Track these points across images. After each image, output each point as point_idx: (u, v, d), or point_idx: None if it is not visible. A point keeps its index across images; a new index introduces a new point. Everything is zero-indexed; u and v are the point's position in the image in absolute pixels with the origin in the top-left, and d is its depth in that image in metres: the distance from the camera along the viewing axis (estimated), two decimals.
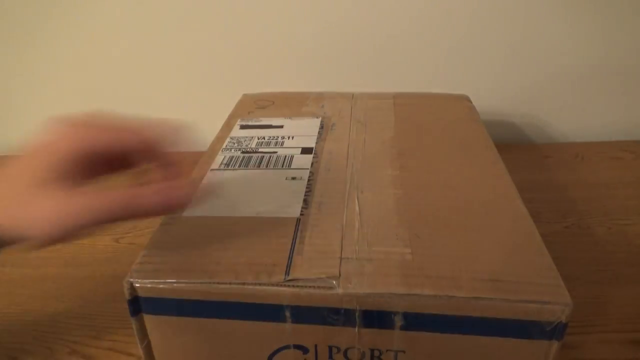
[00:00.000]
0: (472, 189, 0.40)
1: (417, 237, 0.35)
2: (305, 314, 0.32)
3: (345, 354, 0.33)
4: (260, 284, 0.31)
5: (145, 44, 0.71)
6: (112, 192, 0.26)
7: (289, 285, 0.31)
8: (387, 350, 0.33)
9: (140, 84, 0.74)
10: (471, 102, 0.58)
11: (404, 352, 0.33)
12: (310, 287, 0.31)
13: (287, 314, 0.32)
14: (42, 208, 0.25)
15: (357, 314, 0.31)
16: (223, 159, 0.46)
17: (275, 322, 0.32)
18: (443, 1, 0.68)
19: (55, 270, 0.49)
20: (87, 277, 0.49)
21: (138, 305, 0.33)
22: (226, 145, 0.49)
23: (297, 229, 0.36)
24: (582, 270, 0.49)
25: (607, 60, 0.72)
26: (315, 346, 0.33)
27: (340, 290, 0.31)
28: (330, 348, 0.33)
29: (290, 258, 0.33)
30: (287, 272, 0.32)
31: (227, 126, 0.53)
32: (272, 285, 0.31)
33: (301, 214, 0.37)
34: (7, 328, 0.45)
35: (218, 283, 0.31)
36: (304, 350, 0.34)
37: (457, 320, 0.31)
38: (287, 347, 0.34)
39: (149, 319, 0.34)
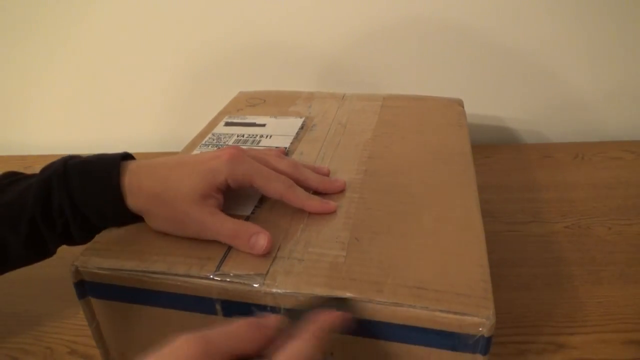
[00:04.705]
0: (431, 196, 0.40)
1: (357, 240, 0.35)
2: (235, 308, 0.32)
3: None
4: (190, 276, 0.32)
5: (147, 43, 0.73)
6: (228, 226, 0.34)
7: (217, 280, 0.32)
8: None
9: (140, 81, 0.76)
10: (462, 107, 0.57)
11: (331, 354, 0.33)
12: (237, 282, 0.32)
13: (218, 307, 0.33)
14: (189, 218, 0.34)
15: (282, 312, 0.32)
16: None
17: (207, 314, 0.33)
18: (442, 5, 0.67)
19: (55, 271, 0.47)
20: None
21: (84, 288, 0.35)
22: (205, 141, 0.50)
23: None
24: (582, 270, 0.49)
25: (606, 60, 0.70)
26: None
27: (264, 288, 0.31)
28: None
29: (226, 254, 0.34)
30: (218, 267, 0.32)
31: (214, 122, 0.55)
32: (202, 278, 0.32)
33: (252, 213, 0.38)
34: (7, 328, 0.45)
35: (152, 273, 0.33)
36: None
37: (380, 326, 0.30)
38: None
39: (95, 303, 0.35)
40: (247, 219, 0.37)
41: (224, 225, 0.34)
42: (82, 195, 0.35)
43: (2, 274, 0.37)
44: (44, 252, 0.37)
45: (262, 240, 0.34)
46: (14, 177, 0.37)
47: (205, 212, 0.34)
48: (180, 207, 0.34)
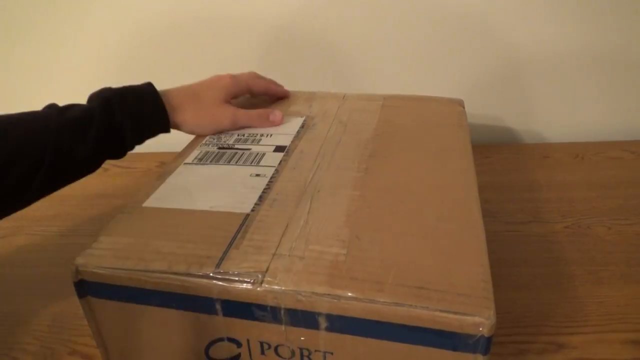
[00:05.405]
0: (431, 195, 0.40)
1: (358, 238, 0.34)
2: (235, 308, 0.32)
3: (276, 351, 0.34)
4: (190, 275, 0.32)
5: (147, 42, 0.72)
6: (253, 112, 0.52)
7: (218, 279, 0.32)
8: (315, 351, 0.33)
9: (140, 81, 0.75)
10: (463, 107, 0.56)
11: (332, 353, 0.33)
12: (237, 281, 0.31)
13: (218, 306, 0.33)
14: (224, 115, 0.51)
15: (282, 312, 0.31)
16: (198, 154, 0.47)
17: (208, 314, 0.33)
18: (443, 5, 0.67)
19: (55, 270, 0.50)
20: None
21: (84, 288, 0.35)
22: (206, 141, 0.50)
23: (243, 224, 0.36)
24: (582, 270, 0.49)
25: (606, 60, 0.70)
26: (248, 341, 0.34)
27: (264, 285, 0.31)
28: (261, 344, 0.34)
29: (226, 252, 0.34)
30: (218, 265, 0.32)
31: None
32: (202, 277, 0.32)
33: (252, 210, 0.38)
34: (7, 328, 0.46)
35: (152, 272, 0.33)
36: (237, 344, 0.34)
37: (380, 326, 0.30)
38: (221, 339, 0.34)
39: (95, 302, 0.35)
40: (247, 216, 0.37)
41: (250, 112, 0.51)
42: (139, 115, 0.46)
43: (74, 180, 0.44)
44: (112, 155, 0.46)
45: (278, 114, 0.53)
46: (65, 105, 0.45)
47: (233, 107, 0.51)
48: (215, 110, 0.50)
